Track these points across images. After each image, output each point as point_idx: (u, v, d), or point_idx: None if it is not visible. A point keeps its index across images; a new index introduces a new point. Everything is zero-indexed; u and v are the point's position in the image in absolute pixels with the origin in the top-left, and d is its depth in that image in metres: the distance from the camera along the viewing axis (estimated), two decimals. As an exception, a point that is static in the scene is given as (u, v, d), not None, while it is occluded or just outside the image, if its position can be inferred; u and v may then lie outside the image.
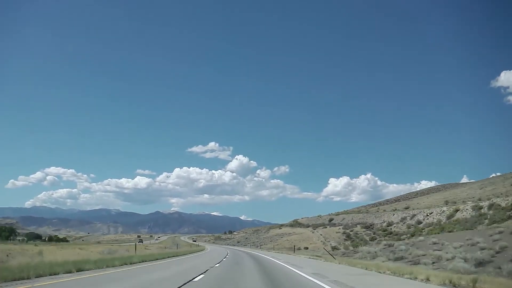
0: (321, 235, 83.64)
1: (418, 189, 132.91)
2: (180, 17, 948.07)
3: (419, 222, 70.35)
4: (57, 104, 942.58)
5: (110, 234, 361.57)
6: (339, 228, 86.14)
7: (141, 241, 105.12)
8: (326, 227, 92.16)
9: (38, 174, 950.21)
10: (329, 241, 77.06)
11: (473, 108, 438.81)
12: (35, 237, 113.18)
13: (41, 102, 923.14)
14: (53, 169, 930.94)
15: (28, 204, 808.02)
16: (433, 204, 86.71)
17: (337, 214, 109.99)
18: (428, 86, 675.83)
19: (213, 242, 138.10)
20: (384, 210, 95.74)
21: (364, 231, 79.37)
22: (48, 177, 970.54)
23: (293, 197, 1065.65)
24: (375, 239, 71.47)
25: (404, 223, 74.58)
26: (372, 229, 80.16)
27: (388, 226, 76.61)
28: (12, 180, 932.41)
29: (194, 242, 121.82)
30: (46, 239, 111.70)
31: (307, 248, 73.37)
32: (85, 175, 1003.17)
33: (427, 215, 71.85)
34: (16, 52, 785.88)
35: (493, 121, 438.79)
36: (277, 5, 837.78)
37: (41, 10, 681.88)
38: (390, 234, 71.15)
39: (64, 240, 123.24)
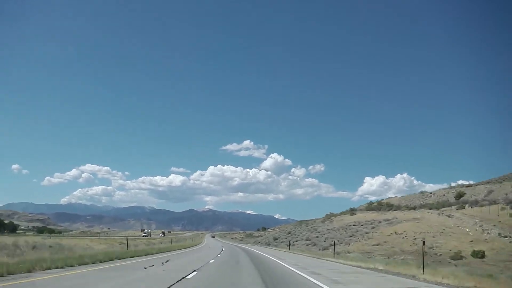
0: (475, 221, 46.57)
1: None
2: (218, 20, 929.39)
3: None
4: (93, 102, 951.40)
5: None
6: (501, 208, 48.74)
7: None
8: (464, 207, 54.86)
9: (74, 172, 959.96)
10: (503, 235, 39.98)
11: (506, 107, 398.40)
12: (47, 231, 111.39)
13: (77, 100, 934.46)
14: (88, 167, 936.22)
15: (63, 201, 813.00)
16: None
17: (466, 186, 71.50)
18: (452, 89, 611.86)
19: (240, 240, 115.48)
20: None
21: None
22: (83, 175, 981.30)
23: (327, 196, 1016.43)
24: None
25: None
26: None
27: None
28: (48, 177, 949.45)
29: (212, 238, 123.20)
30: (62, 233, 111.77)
31: (483, 256, 34.75)
32: (120, 173, 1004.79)
33: None
34: (55, 48, 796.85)
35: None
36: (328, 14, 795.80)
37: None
38: None
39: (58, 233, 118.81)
